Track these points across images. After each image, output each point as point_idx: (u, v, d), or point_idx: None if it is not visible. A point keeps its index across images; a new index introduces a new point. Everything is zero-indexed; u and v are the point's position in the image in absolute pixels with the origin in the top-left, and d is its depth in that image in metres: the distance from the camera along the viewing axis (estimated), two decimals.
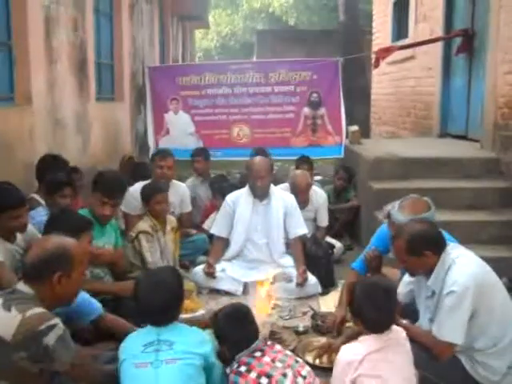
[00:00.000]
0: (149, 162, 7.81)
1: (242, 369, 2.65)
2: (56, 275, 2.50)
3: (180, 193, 5.72)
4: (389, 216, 3.71)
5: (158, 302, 2.67)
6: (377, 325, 2.77)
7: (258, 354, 2.71)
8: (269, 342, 2.81)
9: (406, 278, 3.52)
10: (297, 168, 6.73)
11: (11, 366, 2.32)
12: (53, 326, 2.37)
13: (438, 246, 3.16)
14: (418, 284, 3.38)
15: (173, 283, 2.78)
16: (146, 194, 4.76)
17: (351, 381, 2.66)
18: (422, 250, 3.11)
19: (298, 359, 2.79)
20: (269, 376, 2.60)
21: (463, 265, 3.08)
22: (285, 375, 2.63)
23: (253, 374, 2.62)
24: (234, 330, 2.80)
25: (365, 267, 4.16)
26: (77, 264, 2.60)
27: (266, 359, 2.68)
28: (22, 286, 2.50)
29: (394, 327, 2.82)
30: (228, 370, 2.73)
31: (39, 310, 2.40)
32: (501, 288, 3.18)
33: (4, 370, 2.33)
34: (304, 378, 2.69)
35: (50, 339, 2.35)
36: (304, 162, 6.82)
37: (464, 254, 3.19)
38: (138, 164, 7.18)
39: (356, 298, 2.87)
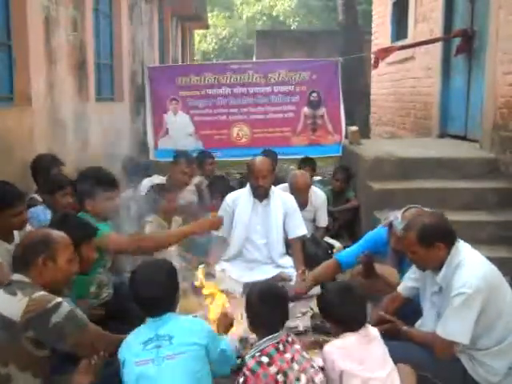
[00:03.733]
0: (148, 161, 7.88)
1: (264, 359, 2.64)
2: (40, 258, 2.62)
3: (187, 197, 5.75)
4: (391, 226, 3.70)
5: (153, 290, 2.69)
6: (350, 324, 2.85)
7: (281, 346, 2.70)
8: (289, 338, 2.79)
9: (410, 273, 3.52)
10: (299, 168, 6.77)
11: (19, 349, 2.44)
12: (59, 304, 2.52)
13: (450, 239, 3.16)
14: (423, 280, 3.37)
15: (168, 271, 2.81)
16: (155, 193, 4.84)
17: (339, 375, 2.73)
18: (434, 241, 3.11)
19: (314, 364, 2.78)
20: (285, 375, 2.62)
21: (473, 265, 3.08)
22: (298, 379, 2.63)
23: (273, 369, 2.62)
24: (265, 311, 2.82)
25: (349, 264, 4.19)
26: (60, 249, 2.71)
27: (287, 356, 2.68)
28: (17, 277, 2.62)
29: (368, 325, 2.91)
30: (248, 355, 2.75)
31: (43, 292, 2.55)
32: (507, 288, 3.19)
33: (13, 353, 2.44)
34: None
35: (58, 316, 2.49)
36: (307, 162, 6.89)
37: (473, 253, 3.19)
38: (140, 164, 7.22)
39: (326, 301, 2.97)
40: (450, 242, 3.15)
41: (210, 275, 4.81)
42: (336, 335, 2.92)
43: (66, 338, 2.54)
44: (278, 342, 2.71)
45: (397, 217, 3.65)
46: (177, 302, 2.84)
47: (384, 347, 2.89)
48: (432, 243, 3.11)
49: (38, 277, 2.62)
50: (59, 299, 2.54)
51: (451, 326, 3.02)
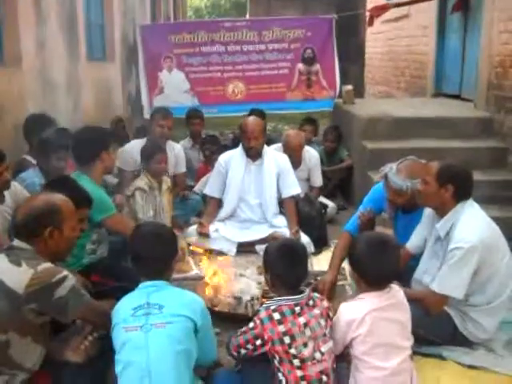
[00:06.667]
0: (144, 121, 7.85)
1: (276, 316, 2.60)
2: (47, 230, 2.57)
3: (175, 153, 5.71)
4: (386, 178, 3.71)
5: (151, 250, 2.67)
6: (377, 280, 2.70)
7: (297, 309, 2.63)
8: (311, 302, 2.69)
9: (420, 228, 3.53)
10: (301, 127, 6.77)
11: (20, 319, 2.44)
12: (64, 278, 2.50)
13: (462, 190, 3.17)
14: (430, 228, 3.39)
15: (169, 235, 2.79)
16: (148, 153, 4.80)
17: (351, 340, 2.66)
18: (447, 181, 3.13)
19: (326, 332, 2.69)
20: (293, 338, 2.57)
21: (473, 223, 3.11)
22: (305, 345, 2.59)
23: (281, 328, 2.58)
24: (284, 267, 2.72)
25: (358, 229, 4.12)
26: (67, 218, 2.66)
27: (301, 320, 2.61)
28: (18, 243, 2.57)
29: (394, 286, 2.76)
30: (264, 305, 2.71)
31: (48, 264, 2.51)
32: (506, 250, 3.22)
33: (14, 321, 2.44)
34: (322, 354, 2.62)
35: (62, 291, 2.47)
36: (309, 122, 6.96)
37: (477, 212, 3.20)
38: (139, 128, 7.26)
39: (356, 251, 2.76)
40: (460, 194, 3.16)
41: (204, 235, 4.86)
42: (358, 288, 2.81)
43: (68, 312, 2.54)
44: (296, 304, 2.64)
45: (392, 168, 3.65)
46: (172, 268, 2.79)
47: (408, 311, 2.75)
48: (444, 182, 3.13)
49: (42, 247, 2.58)
50: (64, 273, 2.51)
51: (447, 280, 3.06)
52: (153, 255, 2.67)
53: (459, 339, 3.21)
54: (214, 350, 2.89)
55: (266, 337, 2.60)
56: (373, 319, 2.62)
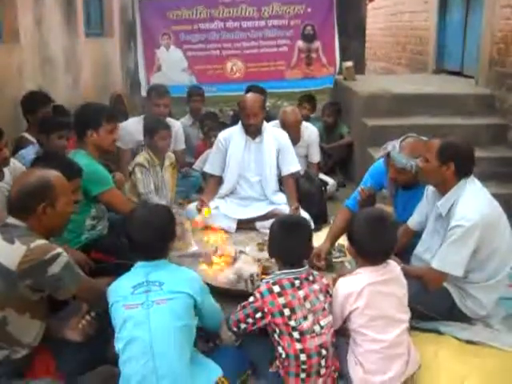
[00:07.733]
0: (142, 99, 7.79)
1: (275, 289, 2.65)
2: (41, 206, 2.56)
3: (174, 130, 5.68)
4: (388, 156, 3.70)
5: (148, 234, 2.65)
6: (373, 255, 2.74)
7: (297, 282, 2.69)
8: (310, 277, 2.75)
9: (421, 205, 3.53)
10: (299, 104, 6.74)
11: (16, 295, 2.45)
12: (57, 255, 2.48)
13: (463, 168, 3.15)
14: (431, 205, 3.40)
15: (165, 218, 2.76)
16: (151, 129, 4.76)
17: (349, 313, 2.69)
18: (448, 159, 3.11)
19: (326, 307, 2.74)
20: (293, 310, 2.62)
21: (474, 201, 3.10)
22: (305, 318, 2.63)
23: (281, 300, 2.63)
24: (286, 241, 2.77)
25: (358, 205, 4.09)
26: (60, 194, 2.64)
27: (301, 293, 2.66)
28: (12, 220, 2.56)
29: (391, 261, 2.80)
30: (264, 280, 2.78)
31: (42, 241, 2.50)
32: (506, 227, 3.22)
33: (10, 298, 2.46)
34: (321, 327, 2.67)
35: (55, 268, 2.47)
36: (307, 99, 6.90)
37: (478, 190, 3.20)
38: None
39: (353, 226, 2.80)
40: (462, 171, 3.15)
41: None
42: (355, 260, 2.88)
43: (63, 289, 2.54)
44: (295, 278, 2.70)
45: (394, 146, 3.64)
46: (170, 248, 2.79)
47: (405, 287, 2.81)
48: (446, 161, 3.11)
49: (36, 223, 2.57)
50: (58, 250, 2.50)
51: (447, 258, 3.07)
52: (148, 241, 2.65)
53: (458, 315, 3.23)
54: (219, 313, 2.93)
55: (266, 309, 2.64)
56: (370, 292, 2.66)
